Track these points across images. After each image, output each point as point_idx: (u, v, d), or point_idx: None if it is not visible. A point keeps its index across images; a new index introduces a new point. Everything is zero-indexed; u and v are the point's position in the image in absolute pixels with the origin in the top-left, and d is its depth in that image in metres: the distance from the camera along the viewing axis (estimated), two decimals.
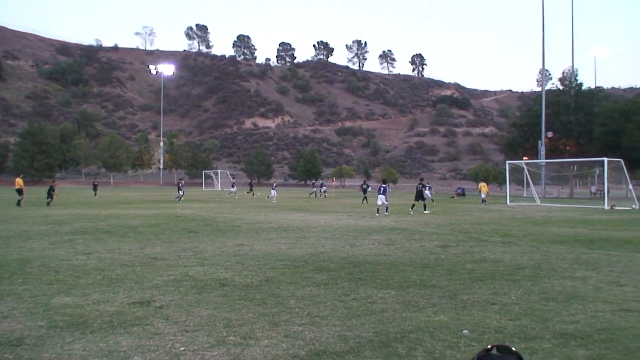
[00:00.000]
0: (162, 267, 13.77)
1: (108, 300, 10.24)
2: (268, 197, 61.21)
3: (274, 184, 75.01)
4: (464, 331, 8.17)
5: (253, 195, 69.36)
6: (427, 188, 40.33)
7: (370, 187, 60.15)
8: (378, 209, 36.05)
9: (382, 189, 36.68)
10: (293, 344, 7.64)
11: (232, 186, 70.91)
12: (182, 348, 7.52)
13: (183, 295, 10.58)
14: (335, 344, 7.61)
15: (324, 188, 74.46)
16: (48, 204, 42.27)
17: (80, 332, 8.19)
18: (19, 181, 43.59)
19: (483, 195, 54.37)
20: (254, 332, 8.16)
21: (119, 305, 9.86)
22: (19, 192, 42.07)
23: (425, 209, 38.44)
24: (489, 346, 2.61)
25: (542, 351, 7.36)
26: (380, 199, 36.06)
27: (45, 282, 11.89)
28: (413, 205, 38.69)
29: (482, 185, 57.48)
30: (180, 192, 54.19)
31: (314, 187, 77.90)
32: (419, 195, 39.11)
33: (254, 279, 12.28)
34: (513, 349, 2.60)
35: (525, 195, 70.42)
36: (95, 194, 61.68)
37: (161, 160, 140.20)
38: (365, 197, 54.62)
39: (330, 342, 7.71)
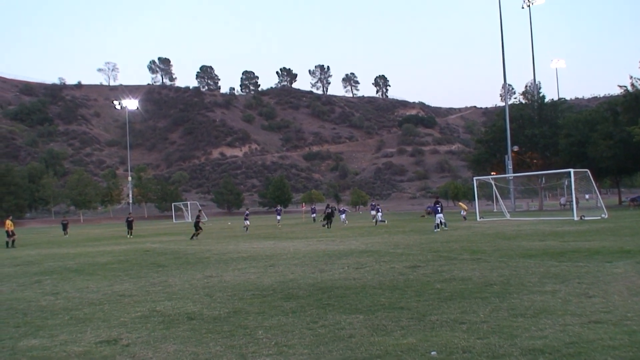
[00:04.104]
0: (130, 304, 13.60)
1: (75, 340, 10.10)
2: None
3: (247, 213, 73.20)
4: (432, 353, 8.12)
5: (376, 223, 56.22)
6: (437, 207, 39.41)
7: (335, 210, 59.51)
8: (437, 225, 38.66)
9: (438, 207, 39.29)
10: None
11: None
12: None
13: (150, 332, 10.45)
14: None
15: (344, 214, 63.74)
16: (197, 235, 42.71)
17: None
18: (8, 223, 43.79)
19: (463, 213, 55.94)
20: None
21: (86, 345, 9.72)
22: (8, 234, 42.26)
23: (445, 226, 39.88)
24: None
25: None
26: (439, 218, 38.83)
27: (13, 325, 11.74)
28: (438, 225, 39.59)
29: (461, 204, 59.71)
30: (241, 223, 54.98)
31: (313, 212, 74.26)
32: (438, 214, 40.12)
33: (222, 310, 12.17)
34: None
35: (495, 210, 70.83)
36: (65, 233, 60.63)
37: (130, 195, 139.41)
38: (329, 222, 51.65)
39: None
